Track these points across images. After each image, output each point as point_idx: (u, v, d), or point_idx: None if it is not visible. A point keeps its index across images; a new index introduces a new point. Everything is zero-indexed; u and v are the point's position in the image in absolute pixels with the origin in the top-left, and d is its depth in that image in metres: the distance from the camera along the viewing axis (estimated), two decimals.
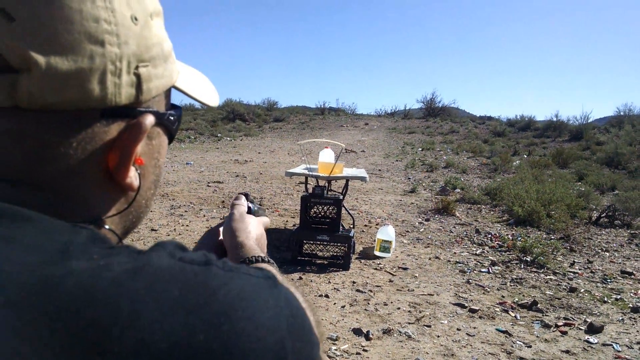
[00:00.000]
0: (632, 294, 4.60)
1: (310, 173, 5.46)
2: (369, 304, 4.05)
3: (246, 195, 1.08)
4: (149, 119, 0.51)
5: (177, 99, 0.62)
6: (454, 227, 7.10)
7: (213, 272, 0.42)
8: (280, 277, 0.74)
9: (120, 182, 0.50)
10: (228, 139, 20.52)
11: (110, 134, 0.49)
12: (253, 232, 0.89)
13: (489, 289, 4.55)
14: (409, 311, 3.95)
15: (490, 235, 6.60)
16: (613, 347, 3.43)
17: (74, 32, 0.44)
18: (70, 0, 0.44)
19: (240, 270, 0.44)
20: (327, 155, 5.60)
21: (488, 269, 5.18)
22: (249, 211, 1.08)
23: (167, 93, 0.58)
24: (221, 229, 0.93)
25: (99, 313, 0.36)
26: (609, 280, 4.97)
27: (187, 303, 0.38)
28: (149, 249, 0.44)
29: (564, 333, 3.66)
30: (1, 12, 0.42)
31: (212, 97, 0.67)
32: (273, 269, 0.77)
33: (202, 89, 0.66)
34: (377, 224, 6.93)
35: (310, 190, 5.18)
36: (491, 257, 5.63)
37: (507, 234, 6.69)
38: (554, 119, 22.44)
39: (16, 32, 0.42)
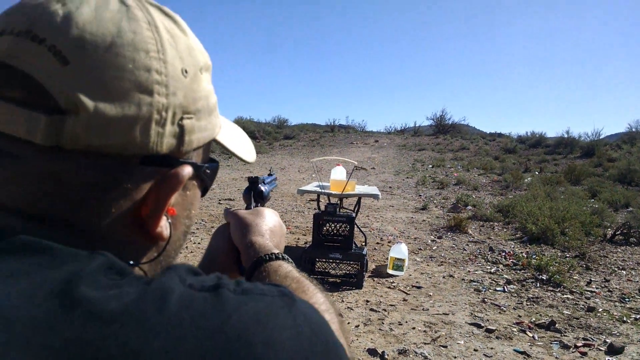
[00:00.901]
0: None
1: (323, 190, 5.44)
2: (383, 323, 3.99)
3: (256, 181, 1.04)
4: (187, 170, 0.51)
5: None
6: (467, 244, 7.03)
7: (224, 296, 0.41)
8: (296, 275, 0.71)
9: (151, 230, 0.50)
10: (247, 175, 20.58)
11: (147, 182, 0.48)
12: (264, 225, 0.85)
13: (505, 309, 4.48)
14: (424, 331, 3.88)
15: (504, 253, 6.52)
16: None
17: (125, 80, 0.44)
18: (125, 49, 0.44)
19: (253, 291, 0.43)
20: (339, 173, 5.58)
21: (503, 287, 5.10)
22: (261, 195, 1.05)
23: (207, 147, 0.58)
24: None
25: (108, 344, 0.35)
26: (627, 300, 4.87)
27: (199, 330, 0.37)
28: (160, 273, 0.43)
29: (584, 354, 3.57)
30: (57, 55, 0.42)
31: (249, 153, 0.68)
32: (290, 266, 0.74)
33: (240, 144, 0.67)
34: (389, 242, 6.87)
35: (322, 208, 5.15)
36: (506, 276, 5.54)
37: (521, 252, 6.61)
38: (565, 136, 22.33)
39: (69, 76, 0.42)
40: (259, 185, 1.06)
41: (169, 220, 0.52)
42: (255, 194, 1.04)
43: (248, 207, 1.00)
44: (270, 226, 0.86)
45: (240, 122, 27.45)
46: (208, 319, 0.38)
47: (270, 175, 1.18)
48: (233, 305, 0.40)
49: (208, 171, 0.57)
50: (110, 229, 0.47)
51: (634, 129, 23.32)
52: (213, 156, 0.61)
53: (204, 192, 0.60)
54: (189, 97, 0.50)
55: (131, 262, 0.49)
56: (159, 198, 0.49)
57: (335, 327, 0.58)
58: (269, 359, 0.37)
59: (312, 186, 5.98)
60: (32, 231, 0.42)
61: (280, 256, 0.76)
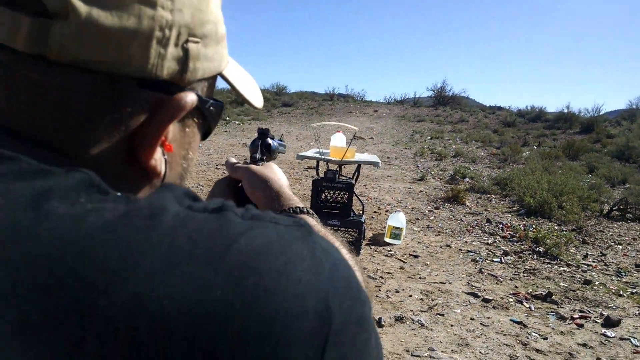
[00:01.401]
0: None
1: (322, 157, 5.38)
2: (380, 290, 3.99)
3: (266, 133, 1.00)
4: (190, 98, 0.44)
5: None
6: (464, 216, 7.02)
7: (230, 219, 0.34)
8: (321, 229, 0.66)
9: (144, 162, 0.43)
10: (236, 122, 20.43)
11: (143, 108, 0.42)
12: (284, 180, 0.81)
13: (501, 279, 4.48)
14: (421, 299, 3.88)
15: (501, 225, 6.52)
16: (631, 342, 3.36)
17: None
18: None
19: (264, 217, 0.36)
20: (339, 140, 5.51)
21: (500, 258, 5.10)
22: (269, 148, 1.00)
23: (212, 82, 0.51)
24: (237, 177, 0.85)
25: (80, 264, 0.28)
26: (623, 274, 4.88)
27: (198, 253, 0.30)
28: (152, 192, 0.37)
29: (580, 326, 3.58)
30: None
31: (257, 98, 0.61)
32: (314, 220, 0.69)
33: (248, 87, 0.59)
34: (386, 211, 6.86)
35: (321, 175, 5.10)
36: (503, 247, 5.55)
37: (518, 224, 6.60)
38: (565, 111, 22.18)
39: None
40: (268, 138, 1.01)
41: (165, 156, 0.46)
42: (263, 146, 0.99)
43: (252, 158, 0.95)
44: (286, 182, 0.82)
45: None
46: (208, 242, 0.32)
47: (280, 140, 1.14)
48: (240, 229, 0.33)
49: (212, 109, 0.50)
50: (99, 157, 0.41)
51: (634, 106, 23.21)
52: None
53: (205, 135, 0.53)
54: (196, 18, 0.43)
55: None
56: (155, 124, 0.42)
57: (359, 275, 0.53)
58: (282, 292, 0.31)
59: (311, 152, 5.91)
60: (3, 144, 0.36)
61: (308, 211, 0.71)
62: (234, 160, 0.88)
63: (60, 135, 0.39)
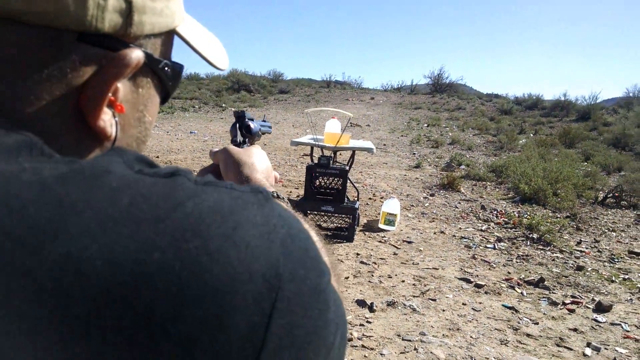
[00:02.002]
0: None
1: (316, 143, 5.35)
2: (373, 275, 3.99)
3: (242, 115, 0.97)
4: (136, 54, 0.41)
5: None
6: (459, 202, 7.02)
7: (179, 183, 0.32)
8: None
9: (92, 123, 0.41)
10: (233, 109, 20.35)
11: (87, 65, 0.39)
12: (258, 165, 0.78)
13: (494, 265, 4.48)
14: (414, 284, 3.88)
15: (495, 212, 6.52)
16: (622, 327, 3.37)
17: None
18: None
19: (218, 184, 0.34)
20: (333, 126, 5.48)
21: (494, 245, 5.11)
22: (249, 131, 0.98)
23: (167, 41, 0.48)
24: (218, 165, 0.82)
25: (9, 222, 0.27)
26: (616, 260, 4.90)
27: (139, 214, 0.29)
28: (99, 154, 0.35)
29: (572, 311, 3.59)
30: None
31: (220, 59, 0.56)
32: (287, 207, 0.66)
33: (210, 47, 0.55)
34: (381, 198, 6.85)
35: (315, 160, 5.09)
36: (497, 234, 5.55)
37: (512, 211, 6.60)
38: (562, 99, 22.18)
39: None
40: (246, 120, 0.99)
41: (116, 118, 0.43)
42: (241, 127, 0.98)
43: (233, 142, 0.93)
44: (263, 168, 0.79)
45: (235, 75, 27.04)
46: (152, 204, 0.30)
47: (264, 120, 1.12)
48: (190, 193, 0.32)
49: (168, 69, 0.47)
50: (41, 118, 0.38)
51: (631, 94, 23.20)
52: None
53: (164, 99, 0.51)
54: None
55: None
56: (99, 82, 0.40)
57: (320, 247, 0.51)
58: (227, 256, 0.29)
59: (306, 138, 5.88)
60: None
61: (276, 194, 0.69)
62: (216, 148, 0.86)
63: None
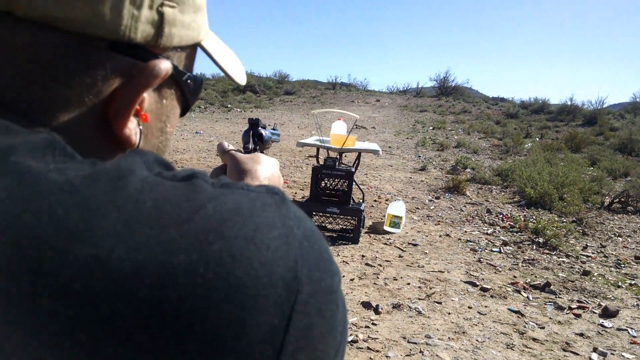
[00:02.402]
0: None
1: (322, 144, 5.36)
2: (378, 278, 3.98)
3: (256, 123, 0.98)
4: (165, 66, 0.42)
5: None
6: (465, 206, 7.01)
7: (199, 186, 0.33)
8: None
9: (118, 131, 0.41)
10: (238, 110, 20.41)
11: (116, 73, 0.40)
12: (262, 173, 0.77)
13: (500, 269, 4.47)
14: (419, 287, 3.88)
15: (501, 216, 6.51)
16: (628, 332, 3.35)
17: None
18: None
19: (236, 186, 0.35)
20: (339, 127, 5.48)
21: (499, 248, 5.10)
22: (261, 138, 0.99)
23: (191, 54, 0.49)
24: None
25: (36, 223, 0.27)
26: (622, 265, 4.87)
27: (163, 216, 0.29)
28: (120, 156, 0.35)
29: (578, 316, 3.58)
30: None
31: (239, 74, 0.58)
32: None
33: (231, 62, 0.57)
34: (386, 200, 6.84)
35: (321, 162, 5.09)
36: (502, 237, 5.53)
37: (518, 215, 6.59)
38: (569, 103, 22.13)
39: None
40: (259, 128, 1.00)
41: (140, 127, 0.44)
42: (254, 135, 0.99)
43: (245, 148, 0.94)
44: (268, 175, 0.77)
45: None
46: (175, 206, 0.30)
47: (274, 129, 1.13)
48: (209, 195, 0.32)
49: (190, 82, 0.48)
50: (69, 124, 0.39)
51: (638, 99, 23.10)
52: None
53: (183, 111, 0.52)
54: None
55: None
56: (128, 92, 0.40)
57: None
58: (249, 259, 0.29)
59: (312, 140, 5.89)
60: None
61: None
62: (226, 145, 0.85)
63: (27, 98, 0.37)
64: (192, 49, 0.49)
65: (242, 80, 0.59)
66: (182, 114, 0.52)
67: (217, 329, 0.28)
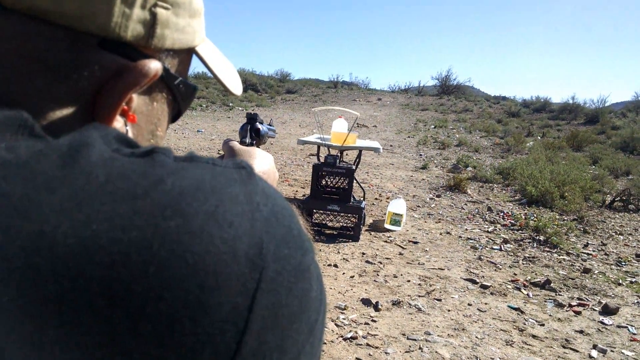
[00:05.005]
0: None
1: (323, 142, 5.36)
2: (378, 275, 3.99)
3: (254, 118, 0.99)
4: (154, 66, 0.41)
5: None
6: (466, 204, 7.01)
7: (158, 160, 0.31)
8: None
9: None
10: (240, 108, 20.38)
11: (105, 71, 0.39)
12: (257, 167, 0.76)
13: (500, 266, 4.47)
14: (419, 284, 3.88)
15: (502, 214, 6.50)
16: (628, 330, 3.35)
17: None
18: None
19: (200, 159, 0.33)
20: (340, 125, 5.48)
21: (500, 246, 5.09)
22: (258, 133, 1.00)
23: (185, 60, 0.48)
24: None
25: None
26: (623, 263, 4.87)
27: (116, 191, 0.28)
28: (78, 130, 0.33)
29: (578, 313, 3.58)
30: None
31: (235, 84, 0.57)
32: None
33: (226, 71, 0.56)
34: (387, 198, 6.84)
35: (322, 160, 5.09)
36: (503, 235, 5.53)
37: (519, 213, 6.58)
38: (570, 102, 22.09)
39: None
40: (257, 123, 1.01)
41: (127, 127, 0.43)
42: (252, 130, 1.00)
43: (242, 142, 0.95)
44: (263, 169, 0.77)
45: (242, 74, 27.09)
46: (129, 181, 0.29)
47: (270, 124, 1.14)
48: (169, 170, 0.31)
49: (182, 87, 0.47)
50: (54, 120, 0.38)
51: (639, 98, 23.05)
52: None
53: (175, 117, 0.51)
54: None
55: None
56: (115, 90, 0.39)
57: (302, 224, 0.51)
58: (209, 236, 0.28)
59: (313, 138, 5.89)
60: None
61: None
62: (231, 139, 0.86)
63: (11, 88, 0.36)
64: (186, 55, 0.48)
65: (237, 90, 0.57)
66: (173, 119, 0.51)
67: (173, 310, 0.26)
